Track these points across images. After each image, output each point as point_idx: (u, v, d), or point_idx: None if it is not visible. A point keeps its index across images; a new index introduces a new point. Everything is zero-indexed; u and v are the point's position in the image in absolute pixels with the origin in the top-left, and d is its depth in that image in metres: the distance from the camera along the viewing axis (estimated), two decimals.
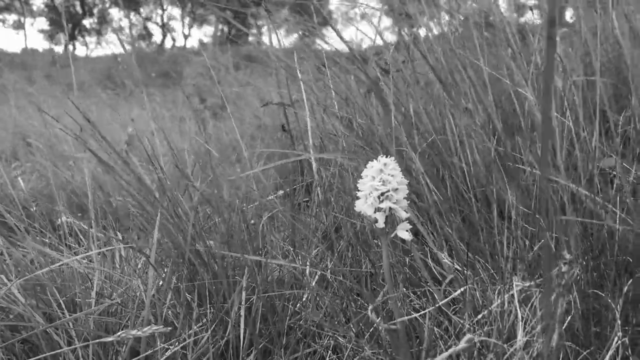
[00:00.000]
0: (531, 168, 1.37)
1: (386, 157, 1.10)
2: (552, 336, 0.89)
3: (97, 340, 1.06)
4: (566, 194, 1.27)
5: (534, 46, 1.81)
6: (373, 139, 1.64)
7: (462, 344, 0.74)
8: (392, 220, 1.11)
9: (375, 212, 1.09)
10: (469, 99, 1.59)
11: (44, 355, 1.16)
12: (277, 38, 2.04)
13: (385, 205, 1.08)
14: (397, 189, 1.09)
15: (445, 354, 0.76)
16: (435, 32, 2.00)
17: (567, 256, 0.86)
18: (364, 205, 1.10)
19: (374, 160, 1.10)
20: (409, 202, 1.11)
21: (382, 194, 1.08)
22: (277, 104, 1.89)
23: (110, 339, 1.01)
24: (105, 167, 1.53)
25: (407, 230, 1.10)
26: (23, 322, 1.41)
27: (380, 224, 1.08)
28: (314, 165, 1.76)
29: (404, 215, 1.09)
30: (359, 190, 1.11)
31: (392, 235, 1.11)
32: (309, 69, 1.98)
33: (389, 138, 1.52)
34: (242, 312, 1.32)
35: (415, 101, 1.70)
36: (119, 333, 0.99)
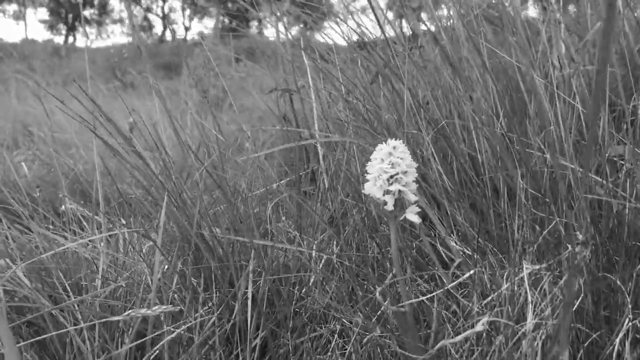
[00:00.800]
0: (541, 153, 1.37)
1: (395, 140, 1.10)
2: (562, 318, 0.89)
3: (104, 320, 1.06)
4: (576, 181, 1.27)
5: (542, 35, 1.80)
6: (380, 124, 1.63)
7: (479, 327, 0.73)
8: (400, 203, 1.10)
9: (384, 195, 1.08)
10: (478, 85, 1.58)
11: (49, 334, 1.16)
12: (283, 27, 2.04)
13: (394, 188, 1.07)
14: (406, 172, 1.08)
15: (460, 337, 0.75)
16: (444, 22, 2.00)
17: (580, 237, 0.85)
18: (372, 188, 1.10)
19: (383, 143, 1.10)
20: (417, 186, 1.11)
21: (391, 176, 1.08)
22: (283, 90, 1.88)
23: (118, 318, 1.00)
24: (112, 151, 1.52)
25: (415, 214, 1.10)
26: (29, 304, 1.40)
27: (389, 207, 1.08)
28: (320, 151, 1.75)
29: (412, 198, 1.09)
30: (367, 173, 1.11)
31: (401, 218, 1.10)
32: (316, 56, 1.97)
33: (396, 123, 1.52)
34: (250, 296, 1.32)
35: (423, 86, 1.69)
36: (127, 312, 0.98)
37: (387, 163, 1.08)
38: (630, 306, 1.00)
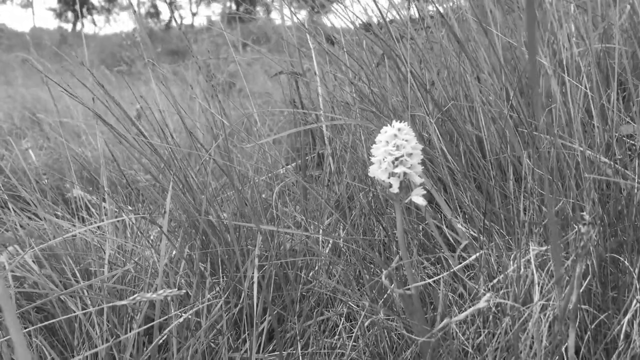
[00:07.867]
0: (550, 135, 1.35)
1: (400, 122, 1.09)
2: (569, 299, 0.88)
3: (111, 304, 1.07)
4: (583, 161, 1.25)
5: (551, 13, 1.77)
6: (386, 106, 1.62)
7: (482, 303, 0.73)
8: (406, 185, 1.10)
9: (389, 177, 1.08)
10: (485, 66, 1.56)
11: (58, 319, 1.16)
12: (288, 11, 2.02)
13: (399, 170, 1.06)
14: (411, 154, 1.07)
15: (464, 314, 0.75)
16: (451, 3, 1.98)
17: (586, 217, 0.84)
18: (377, 171, 1.09)
19: (388, 125, 1.09)
20: (423, 168, 1.09)
21: (396, 158, 1.07)
22: (289, 73, 1.87)
23: (124, 302, 1.01)
24: (116, 137, 1.52)
25: (421, 196, 1.09)
26: (38, 290, 1.42)
27: (395, 189, 1.07)
28: (326, 134, 1.74)
29: (418, 180, 1.08)
30: (372, 156, 1.10)
31: (407, 200, 1.09)
32: (322, 39, 1.96)
33: (402, 105, 1.50)
34: (255, 279, 1.32)
35: (429, 68, 1.67)
36: (133, 296, 0.99)
37: (392, 145, 1.07)
38: (638, 286, 0.99)
